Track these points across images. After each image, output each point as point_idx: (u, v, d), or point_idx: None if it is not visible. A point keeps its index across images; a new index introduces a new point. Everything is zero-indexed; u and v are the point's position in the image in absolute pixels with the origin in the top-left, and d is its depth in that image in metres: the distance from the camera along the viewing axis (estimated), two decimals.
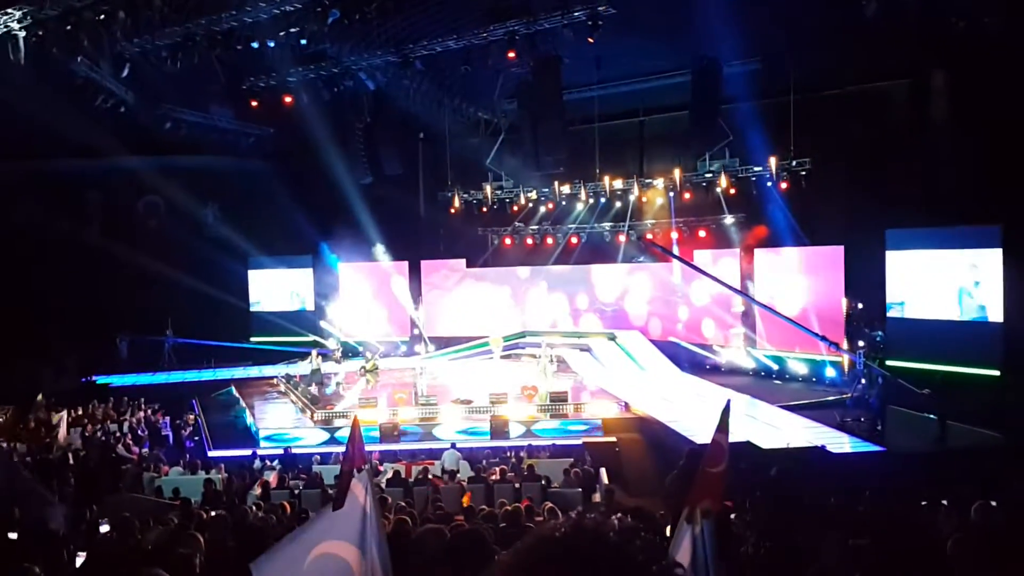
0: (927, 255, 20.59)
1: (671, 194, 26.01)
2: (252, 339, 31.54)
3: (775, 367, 24.39)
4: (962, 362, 19.10)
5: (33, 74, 21.01)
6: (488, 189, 28.79)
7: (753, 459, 14.74)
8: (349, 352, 29.17)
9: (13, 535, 8.65)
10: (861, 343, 20.96)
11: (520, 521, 9.90)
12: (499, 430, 20.01)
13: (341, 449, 19.02)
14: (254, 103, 26.18)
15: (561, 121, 23.96)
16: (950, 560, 5.49)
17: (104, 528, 10.03)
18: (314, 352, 25.09)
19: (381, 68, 24.57)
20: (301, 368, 26.14)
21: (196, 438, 22.49)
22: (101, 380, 27.34)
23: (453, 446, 18.16)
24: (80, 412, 22.98)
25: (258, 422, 22.33)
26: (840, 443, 16.64)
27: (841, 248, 22.72)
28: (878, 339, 21.14)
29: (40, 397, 23.11)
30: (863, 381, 19.66)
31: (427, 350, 29.73)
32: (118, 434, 21.43)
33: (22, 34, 19.86)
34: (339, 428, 20.74)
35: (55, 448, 19.79)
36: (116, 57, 22.25)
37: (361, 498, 4.42)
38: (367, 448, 17.77)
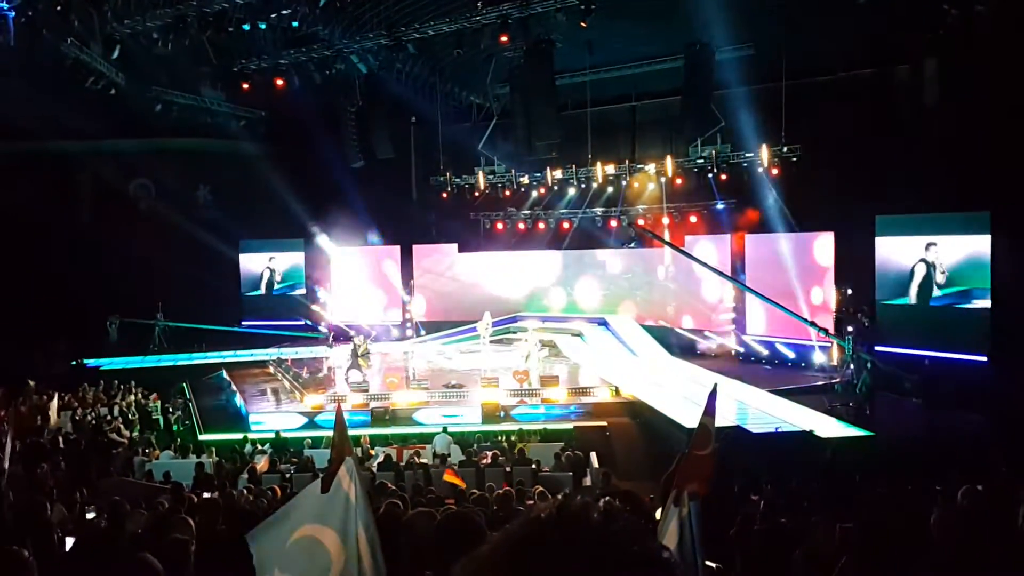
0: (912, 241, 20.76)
1: (662, 179, 26.01)
2: (243, 322, 31.52)
3: (764, 352, 24.49)
4: (950, 348, 19.20)
5: (23, 55, 20.89)
6: (480, 174, 28.71)
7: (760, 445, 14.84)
8: (340, 337, 29.18)
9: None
10: (850, 328, 21.04)
11: (511, 505, 9.95)
12: (490, 414, 20.05)
13: (325, 433, 19.21)
14: (245, 86, 26.09)
15: (553, 106, 23.96)
16: (935, 540, 5.54)
17: (91, 515, 10.02)
18: (360, 337, 24.66)
19: (373, 51, 24.52)
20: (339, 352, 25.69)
21: (187, 422, 22.47)
22: (91, 363, 27.28)
23: (444, 430, 18.21)
24: (69, 397, 22.90)
25: (249, 406, 22.32)
26: (828, 428, 16.71)
27: (831, 234, 22.79)
28: (867, 325, 21.22)
29: (31, 384, 23.05)
30: (852, 366, 19.74)
31: (419, 334, 29.78)
32: (108, 418, 21.41)
33: (12, 14, 19.74)
34: (319, 413, 20.85)
35: (45, 432, 19.76)
36: (107, 38, 22.18)
37: (345, 485, 4.44)
38: (359, 432, 17.88)
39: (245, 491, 13.38)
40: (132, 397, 23.31)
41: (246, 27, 21.41)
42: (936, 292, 20.20)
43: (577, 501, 1.38)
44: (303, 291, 31.96)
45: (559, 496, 1.44)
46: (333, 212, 29.31)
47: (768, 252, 24.52)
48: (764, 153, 23.22)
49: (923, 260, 20.49)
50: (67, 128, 26.21)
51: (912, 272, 20.58)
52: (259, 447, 18.58)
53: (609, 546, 1.30)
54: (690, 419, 15.99)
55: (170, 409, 23.09)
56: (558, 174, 27.51)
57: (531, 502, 10.78)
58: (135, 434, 20.72)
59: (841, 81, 23.10)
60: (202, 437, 20.61)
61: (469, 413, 20.34)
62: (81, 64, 23.01)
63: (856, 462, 13.67)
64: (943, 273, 20.09)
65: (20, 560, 4.16)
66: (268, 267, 32.44)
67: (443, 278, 30.97)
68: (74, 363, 26.98)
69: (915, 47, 20.87)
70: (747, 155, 23.85)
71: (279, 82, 25.49)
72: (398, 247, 31.15)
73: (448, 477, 14.29)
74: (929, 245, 20.44)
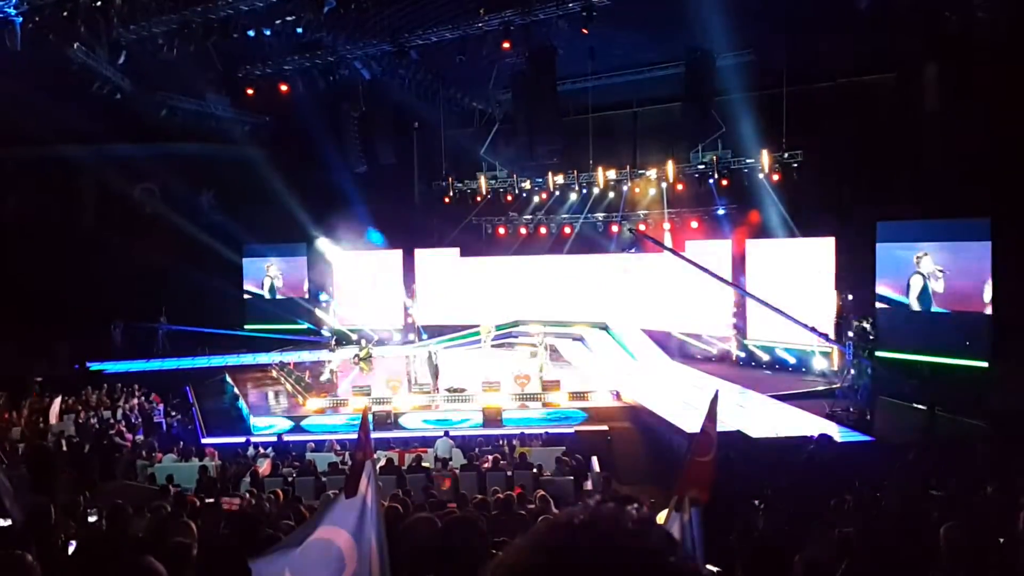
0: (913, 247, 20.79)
1: (663, 185, 26.09)
2: (246, 326, 31.59)
3: (765, 357, 24.51)
4: (951, 353, 19.23)
5: (29, 60, 20.98)
6: (482, 179, 28.84)
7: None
8: (343, 340, 29.25)
9: (4, 522, 8.69)
10: (850, 334, 21.08)
11: (512, 508, 10.03)
12: (491, 419, 20.12)
13: (310, 437, 19.40)
14: (250, 91, 26.18)
15: (555, 112, 24.05)
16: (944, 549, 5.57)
17: (93, 518, 10.08)
18: (432, 346, 24.55)
19: (376, 57, 24.61)
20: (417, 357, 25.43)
21: (190, 426, 22.53)
22: (95, 367, 27.35)
23: (446, 434, 18.27)
24: (72, 400, 22.96)
25: (251, 409, 22.40)
26: (829, 433, 16.74)
27: (832, 239, 22.82)
28: (867, 330, 21.26)
29: (37, 380, 23.12)
30: (852, 371, 19.78)
31: (420, 338, 29.84)
32: (112, 421, 21.47)
33: (19, 20, 19.83)
34: (306, 416, 21.05)
35: (48, 435, 19.82)
36: (113, 44, 22.24)
37: (363, 487, 4.51)
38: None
39: (247, 495, 13.45)
40: (135, 400, 23.38)
41: (251, 33, 21.50)
42: (934, 299, 20.21)
43: (611, 508, 1.40)
44: (306, 295, 32.02)
45: (591, 502, 1.45)
46: (336, 217, 29.39)
47: (769, 257, 24.58)
48: (765, 158, 23.30)
49: (918, 272, 20.52)
50: (72, 132, 26.30)
51: (908, 284, 20.60)
52: (261, 451, 18.65)
53: (643, 554, 1.31)
54: (690, 424, 16.06)
55: (172, 412, 23.18)
56: (560, 179, 27.60)
57: (532, 506, 10.84)
58: (138, 437, 20.79)
59: (842, 87, 23.15)
60: (204, 440, 20.66)
61: None
62: (87, 69, 23.11)
63: (856, 467, 13.70)
64: (939, 279, 20.11)
65: (24, 564, 4.22)
66: (267, 273, 32.51)
67: (445, 282, 31.05)
68: (77, 366, 27.06)
69: (916, 53, 20.94)
70: (748, 160, 23.92)
71: (283, 88, 25.60)
72: (400, 251, 31.24)
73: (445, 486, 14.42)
74: (919, 258, 20.49)
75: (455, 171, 29.42)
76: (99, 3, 19.61)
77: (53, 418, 21.06)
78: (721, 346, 25.93)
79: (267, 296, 32.39)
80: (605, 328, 27.73)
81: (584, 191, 27.61)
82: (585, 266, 29.42)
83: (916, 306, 20.61)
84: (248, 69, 25.54)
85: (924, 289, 20.47)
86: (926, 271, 20.34)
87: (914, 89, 21.92)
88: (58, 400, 21.93)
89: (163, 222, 30.15)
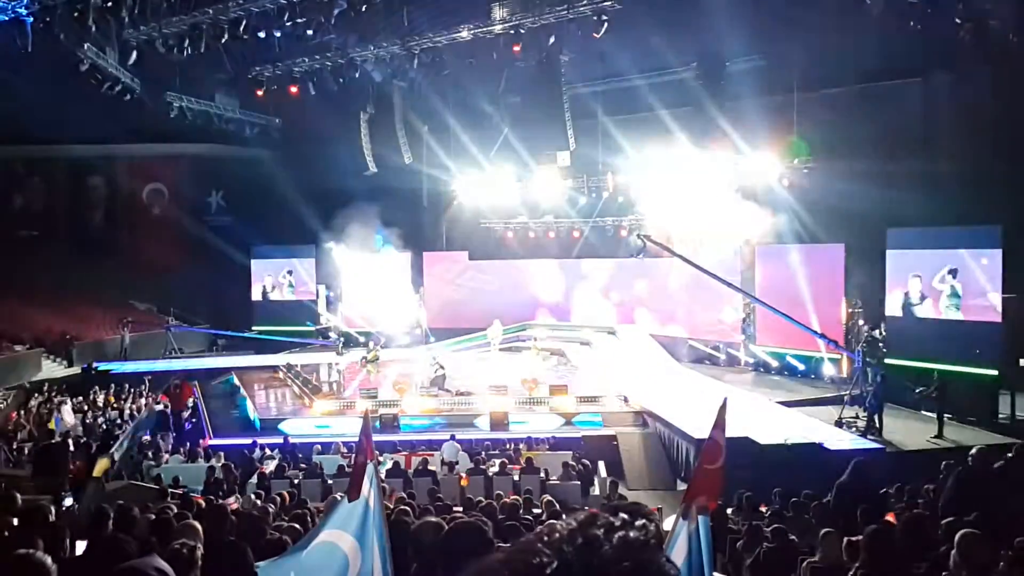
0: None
1: (673, 189, 26.01)
2: (254, 328, 31.59)
3: (774, 363, 24.42)
4: (961, 361, 19.10)
5: (40, 60, 21.06)
6: (491, 182, 28.82)
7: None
8: (351, 343, 29.23)
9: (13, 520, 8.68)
10: (861, 340, 21.01)
11: (518, 514, 9.98)
12: (498, 423, 20.06)
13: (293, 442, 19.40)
14: (260, 92, 26.24)
15: (564, 115, 24.03)
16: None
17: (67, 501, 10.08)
18: (435, 358, 24.45)
19: (386, 59, 24.64)
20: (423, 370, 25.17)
21: (195, 421, 22.50)
22: (102, 367, 27.35)
23: (452, 438, 18.23)
24: (80, 400, 22.97)
25: (258, 411, 22.38)
26: (838, 440, 16.68)
27: (842, 246, 22.72)
28: (877, 337, 21.18)
29: (27, 383, 23.11)
30: (862, 378, 19.69)
31: (428, 341, 29.80)
32: (119, 421, 21.47)
33: (30, 20, 19.90)
34: (283, 420, 21.09)
35: (55, 435, 19.81)
36: (123, 44, 22.35)
37: (365, 490, 4.50)
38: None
39: (253, 496, 13.43)
40: (143, 400, 23.39)
41: (261, 35, 21.56)
42: (945, 309, 20.11)
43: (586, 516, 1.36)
44: (314, 297, 32.01)
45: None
46: (345, 219, 29.41)
47: (779, 263, 24.46)
48: (776, 164, 23.22)
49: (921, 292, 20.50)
50: (82, 133, 26.40)
51: (922, 295, 20.52)
52: (268, 452, 18.62)
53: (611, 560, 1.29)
54: (698, 430, 16.00)
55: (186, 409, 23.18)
56: (569, 183, 27.56)
57: (538, 511, 10.80)
58: (145, 437, 20.77)
59: (852, 93, 23.09)
60: (211, 441, 20.61)
61: None
62: (97, 69, 23.18)
63: (864, 475, 13.61)
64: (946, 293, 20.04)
65: (40, 565, 4.20)
66: (278, 274, 32.51)
67: (453, 285, 31.03)
68: (85, 366, 27.08)
69: (927, 59, 20.88)
70: (759, 166, 23.84)
71: (293, 89, 25.65)
72: (409, 254, 31.23)
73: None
74: (912, 276, 20.39)
75: (463, 174, 29.40)
76: (110, 4, 19.66)
77: (67, 419, 20.98)
78: (730, 352, 25.85)
79: (274, 298, 32.39)
80: (613, 333, 27.66)
81: (593, 195, 27.56)
82: (593, 270, 29.38)
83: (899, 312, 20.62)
84: (258, 71, 25.61)
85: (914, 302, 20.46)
86: (941, 287, 20.27)
87: (925, 96, 21.86)
88: (69, 402, 21.92)
89: (172, 223, 30.22)
